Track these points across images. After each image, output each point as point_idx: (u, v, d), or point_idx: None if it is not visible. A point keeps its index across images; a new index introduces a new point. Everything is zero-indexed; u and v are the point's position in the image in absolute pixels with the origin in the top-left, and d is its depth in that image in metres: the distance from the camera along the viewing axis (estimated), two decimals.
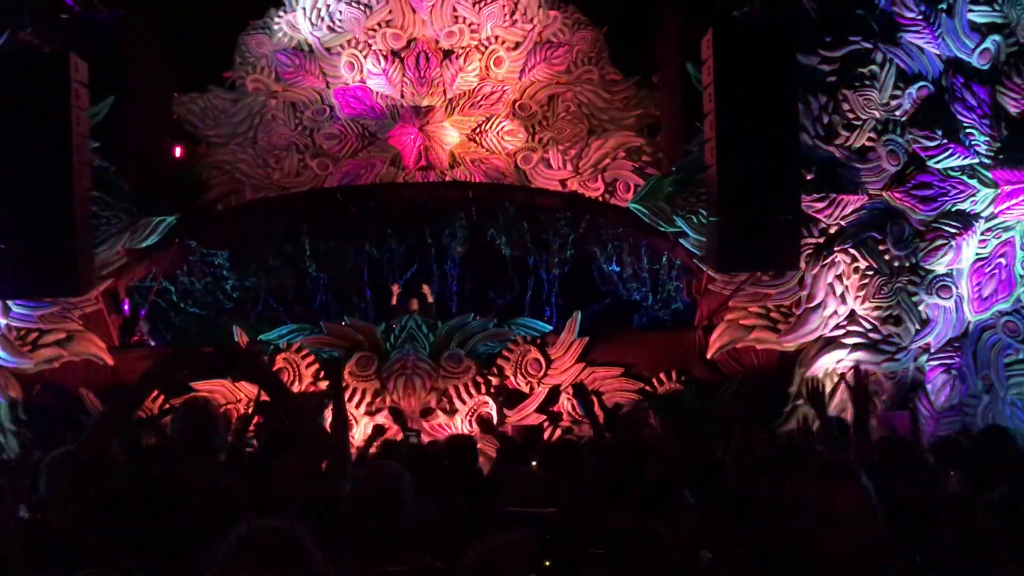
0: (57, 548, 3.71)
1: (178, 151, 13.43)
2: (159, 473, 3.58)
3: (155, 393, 10.42)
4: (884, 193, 10.64)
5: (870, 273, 10.60)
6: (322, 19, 13.49)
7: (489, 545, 2.43)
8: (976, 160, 10.50)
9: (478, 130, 13.56)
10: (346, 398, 10.60)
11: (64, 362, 10.61)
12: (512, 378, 10.77)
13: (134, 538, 3.31)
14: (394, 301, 11.83)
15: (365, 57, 13.43)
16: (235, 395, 10.59)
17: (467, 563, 2.41)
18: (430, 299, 11.99)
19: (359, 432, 10.56)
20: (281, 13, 13.58)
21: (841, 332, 10.65)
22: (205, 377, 10.21)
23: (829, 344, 10.65)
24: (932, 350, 10.71)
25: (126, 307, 11.65)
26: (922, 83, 10.61)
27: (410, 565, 2.75)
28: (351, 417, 10.59)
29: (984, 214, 10.56)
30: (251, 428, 5.35)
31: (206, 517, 2.76)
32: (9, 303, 10.29)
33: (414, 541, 2.94)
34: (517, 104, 13.70)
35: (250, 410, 8.77)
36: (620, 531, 2.35)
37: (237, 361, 3.41)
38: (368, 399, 10.63)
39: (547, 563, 2.16)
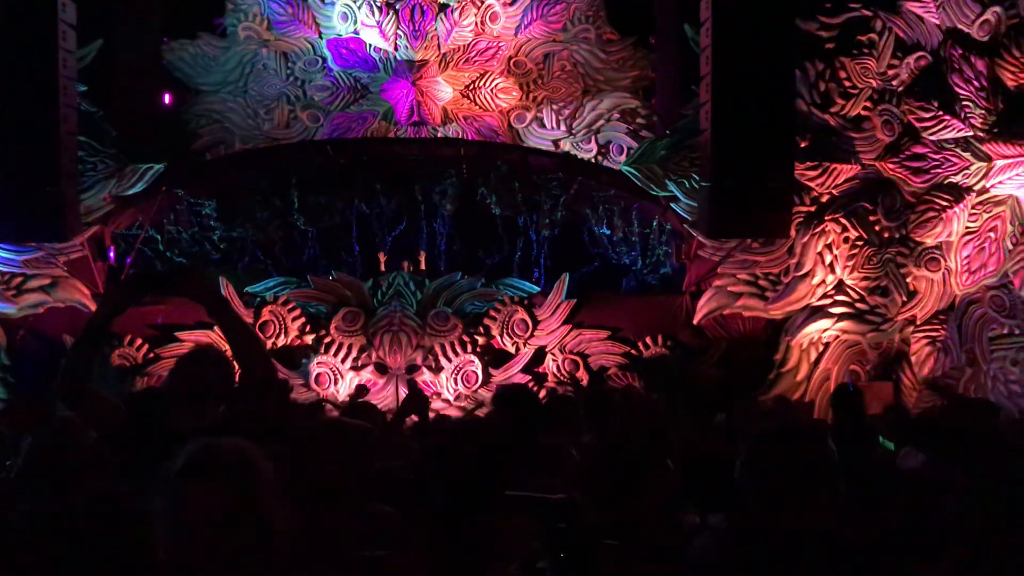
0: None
1: (167, 98, 13.24)
2: (153, 415, 3.55)
3: (139, 342, 10.42)
4: (877, 163, 10.60)
5: (860, 243, 10.60)
6: None
7: (490, 528, 2.40)
8: (971, 133, 10.45)
9: (472, 86, 13.40)
10: (326, 351, 10.61)
11: (48, 308, 10.55)
12: (498, 338, 10.77)
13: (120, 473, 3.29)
14: (382, 268, 11.77)
15: (359, 8, 13.22)
16: (222, 344, 10.55)
17: (469, 544, 2.38)
18: (423, 266, 11.92)
19: (344, 387, 10.57)
20: None
21: (828, 301, 10.68)
22: (154, 295, 10.10)
23: (816, 313, 10.68)
24: (918, 322, 10.75)
25: (111, 254, 11.56)
26: (920, 53, 10.53)
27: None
28: (336, 371, 10.59)
29: (976, 188, 10.54)
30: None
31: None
32: None
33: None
34: (512, 61, 13.53)
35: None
36: (635, 521, 2.32)
37: (177, 276, 3.30)
38: (354, 354, 10.62)
39: (561, 555, 2.13)
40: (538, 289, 11.28)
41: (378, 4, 13.18)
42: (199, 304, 3.27)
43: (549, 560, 2.11)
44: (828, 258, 10.64)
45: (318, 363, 10.57)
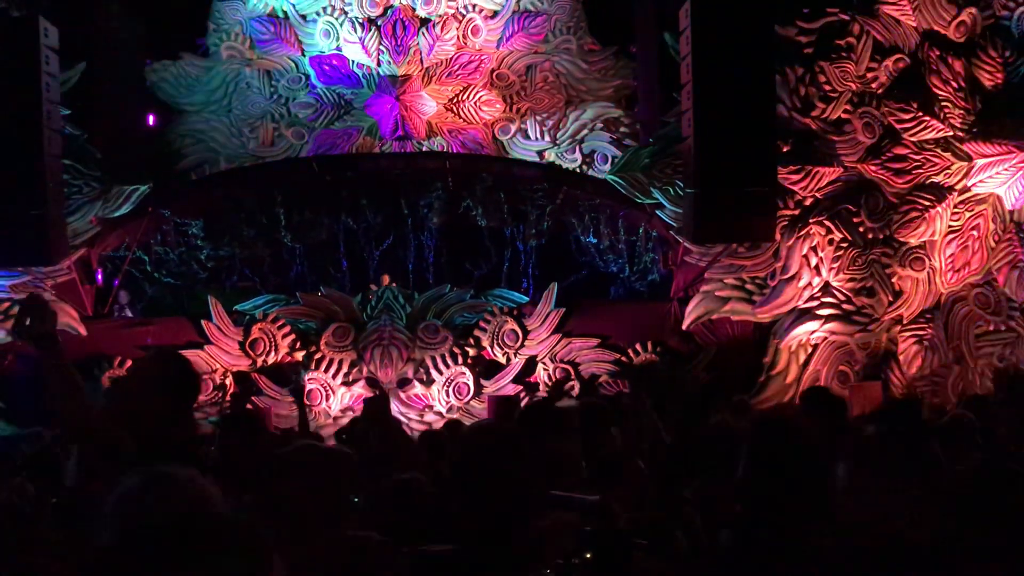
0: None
1: (151, 119, 13.25)
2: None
3: (129, 364, 10.37)
4: (859, 165, 10.69)
5: (844, 245, 10.67)
6: None
7: (534, 527, 2.40)
8: (950, 133, 10.56)
9: (455, 100, 13.46)
10: (316, 367, 10.60)
11: None
12: (489, 349, 10.79)
13: None
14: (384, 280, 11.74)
15: (341, 24, 13.27)
16: (211, 365, 10.56)
17: (513, 545, 2.38)
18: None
19: (336, 402, 10.58)
20: None
21: (815, 303, 10.73)
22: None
23: (803, 315, 10.73)
24: (905, 321, 10.82)
25: (99, 277, 11.54)
26: (898, 55, 10.63)
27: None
28: (327, 387, 10.58)
29: (957, 187, 10.64)
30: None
31: None
32: None
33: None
34: (495, 74, 13.60)
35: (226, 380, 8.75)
36: (665, 523, 2.33)
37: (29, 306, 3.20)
38: (345, 370, 10.63)
39: (587, 555, 2.14)
40: (527, 299, 11.30)
41: (360, 20, 13.24)
42: (25, 339, 3.15)
43: (579, 560, 2.13)
44: (814, 260, 10.70)
45: (309, 379, 10.57)
